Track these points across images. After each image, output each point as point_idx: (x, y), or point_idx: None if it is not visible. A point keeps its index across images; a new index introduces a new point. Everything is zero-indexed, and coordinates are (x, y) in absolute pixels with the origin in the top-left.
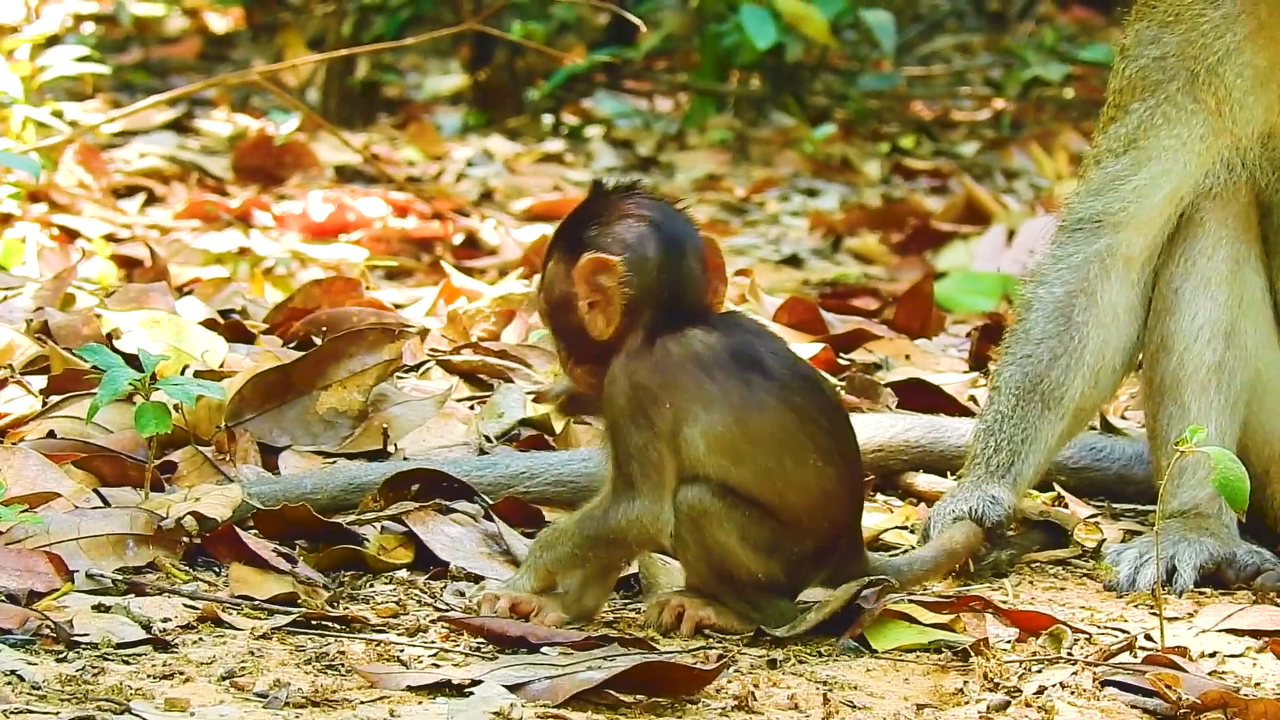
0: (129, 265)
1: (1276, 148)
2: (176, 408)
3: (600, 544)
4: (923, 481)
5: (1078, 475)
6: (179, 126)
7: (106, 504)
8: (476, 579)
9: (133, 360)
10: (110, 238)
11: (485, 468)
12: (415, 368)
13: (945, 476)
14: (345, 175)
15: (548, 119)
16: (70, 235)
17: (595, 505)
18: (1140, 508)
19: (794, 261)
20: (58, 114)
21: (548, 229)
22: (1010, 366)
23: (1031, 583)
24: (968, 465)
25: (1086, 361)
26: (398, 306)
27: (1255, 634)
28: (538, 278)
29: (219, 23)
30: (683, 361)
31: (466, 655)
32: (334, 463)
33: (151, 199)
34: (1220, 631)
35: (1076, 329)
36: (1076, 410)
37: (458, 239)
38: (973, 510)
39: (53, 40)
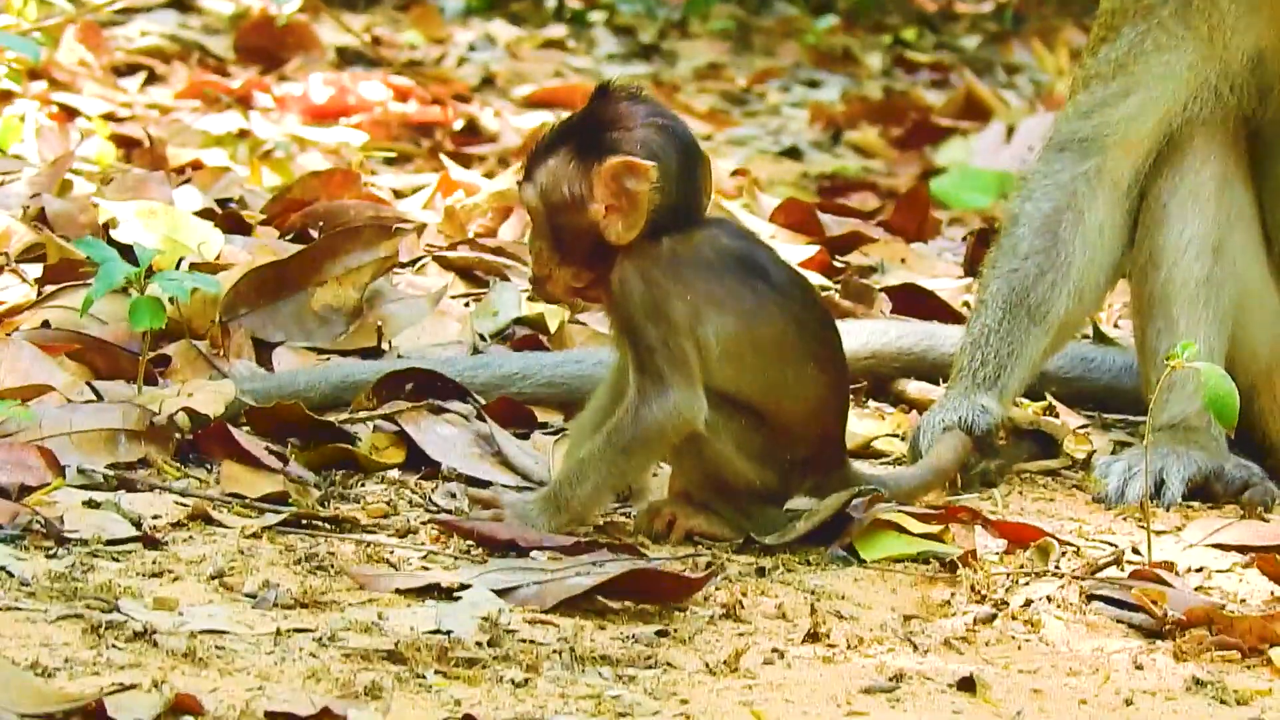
0: (128, 145)
1: (1264, 73)
2: (171, 301)
3: (636, 450)
4: (914, 389)
5: (1069, 385)
6: (181, 4)
7: (99, 398)
8: (468, 480)
9: (128, 252)
10: (110, 116)
11: (478, 368)
12: (411, 263)
13: (938, 384)
14: (347, 58)
15: (551, 3)
16: (70, 114)
17: (620, 415)
18: (1131, 418)
19: (793, 154)
20: None
21: (549, 116)
22: (997, 280)
23: (1021, 493)
24: (954, 376)
25: (1072, 278)
26: (397, 194)
27: (1242, 549)
28: (528, 176)
29: None
30: (693, 263)
31: (456, 558)
32: (328, 360)
33: (152, 78)
34: (1207, 546)
35: (1063, 245)
36: (1061, 325)
37: (458, 125)
38: (962, 420)
39: None
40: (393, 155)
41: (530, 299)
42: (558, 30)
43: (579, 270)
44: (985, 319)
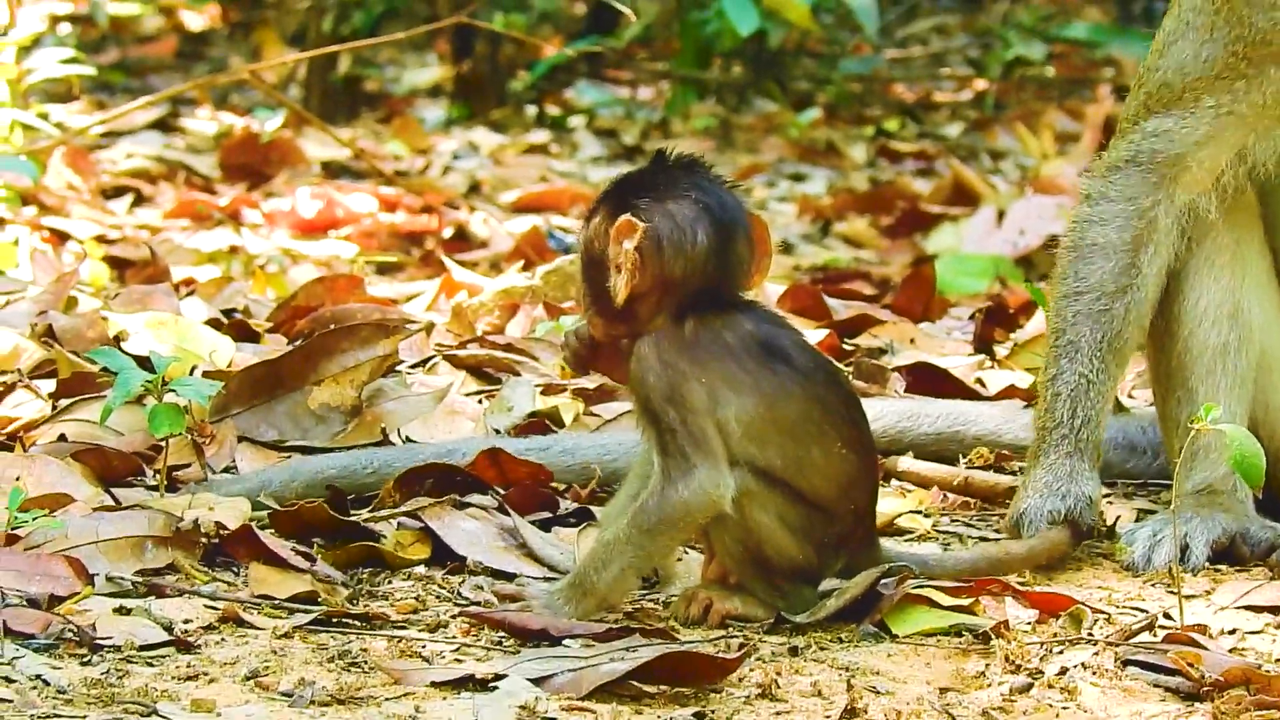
0: (121, 266)
1: None
2: (185, 408)
3: (661, 530)
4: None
5: None
6: (164, 126)
7: (118, 504)
8: (495, 573)
9: (142, 361)
10: (100, 239)
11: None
12: (422, 363)
13: (957, 464)
14: (332, 171)
15: (530, 110)
16: (61, 237)
17: (645, 497)
18: (1153, 483)
19: (784, 248)
20: (44, 116)
21: (537, 220)
22: (1085, 322)
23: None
24: (1046, 437)
25: (1146, 318)
26: (393, 302)
27: (1274, 610)
28: (584, 221)
29: (195, 20)
30: (711, 347)
31: (488, 649)
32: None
33: (140, 199)
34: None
35: (1143, 282)
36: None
37: (447, 233)
38: (1070, 511)
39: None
40: (390, 260)
41: (543, 394)
42: (540, 136)
43: (609, 324)
44: (1080, 367)
